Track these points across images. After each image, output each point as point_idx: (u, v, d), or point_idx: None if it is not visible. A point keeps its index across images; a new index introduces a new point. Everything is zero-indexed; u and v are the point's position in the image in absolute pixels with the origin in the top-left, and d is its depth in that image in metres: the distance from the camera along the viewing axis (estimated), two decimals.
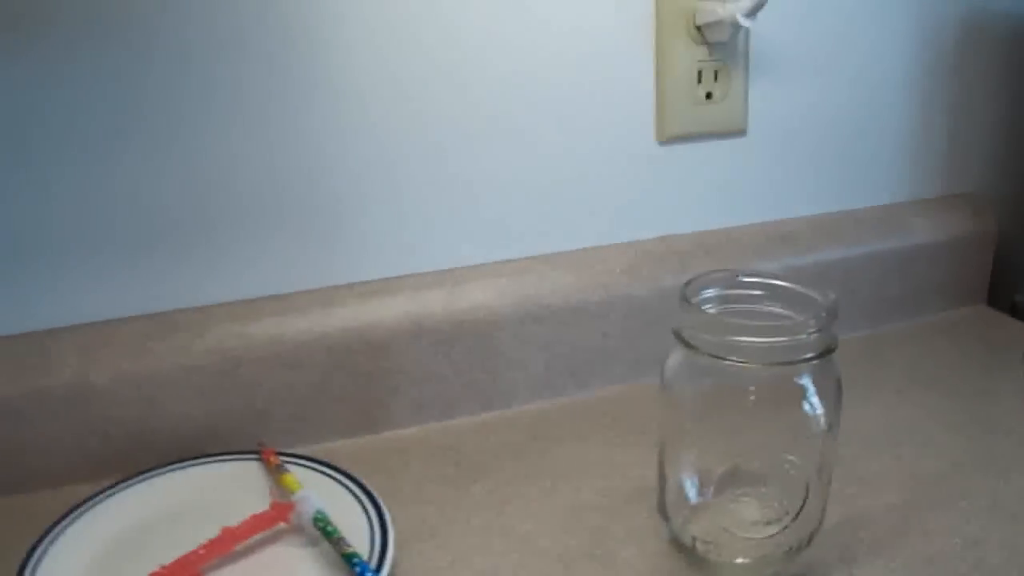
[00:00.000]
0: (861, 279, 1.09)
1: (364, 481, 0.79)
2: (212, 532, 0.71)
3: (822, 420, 0.67)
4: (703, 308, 0.69)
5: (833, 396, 0.68)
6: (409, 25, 0.87)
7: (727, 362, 0.64)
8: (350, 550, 0.69)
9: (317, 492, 0.76)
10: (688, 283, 0.69)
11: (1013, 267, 1.18)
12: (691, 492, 0.72)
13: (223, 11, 0.81)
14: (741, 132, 1.02)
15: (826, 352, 0.65)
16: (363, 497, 0.77)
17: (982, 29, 1.11)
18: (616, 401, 0.97)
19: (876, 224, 1.10)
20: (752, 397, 0.67)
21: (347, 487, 0.79)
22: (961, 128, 1.14)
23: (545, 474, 0.84)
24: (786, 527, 0.69)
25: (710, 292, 0.70)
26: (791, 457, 0.68)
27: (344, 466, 0.82)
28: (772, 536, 0.69)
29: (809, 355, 0.65)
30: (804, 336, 0.64)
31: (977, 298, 1.19)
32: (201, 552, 0.70)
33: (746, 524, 0.70)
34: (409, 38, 0.87)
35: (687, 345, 0.66)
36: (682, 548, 0.72)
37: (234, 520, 0.72)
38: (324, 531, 0.72)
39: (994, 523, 0.76)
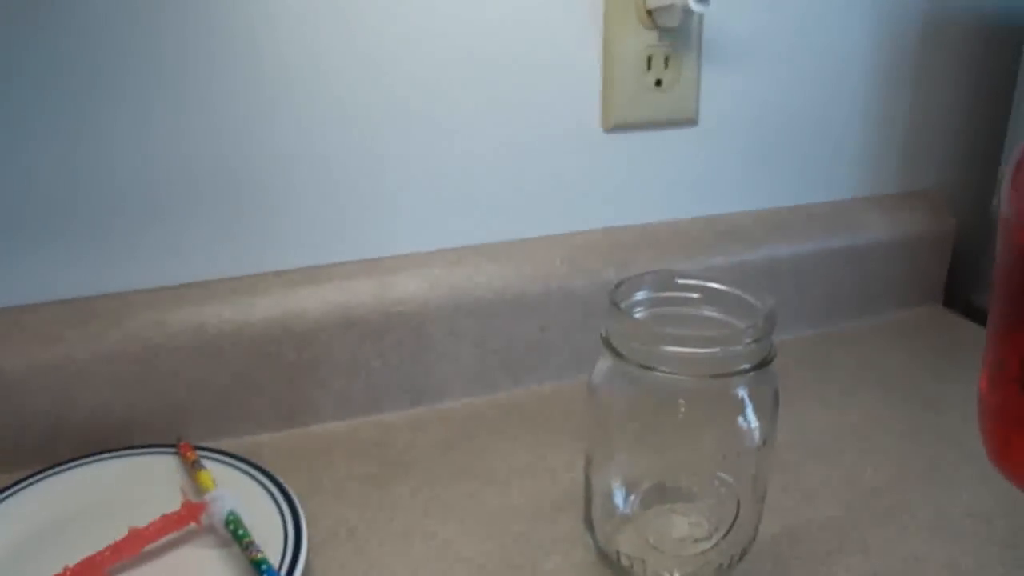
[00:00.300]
0: (813, 277, 1.07)
1: (282, 480, 0.76)
2: (124, 530, 0.68)
3: (757, 434, 0.64)
4: (634, 312, 0.66)
5: (770, 409, 0.65)
6: (341, 9, 0.83)
7: (656, 373, 0.61)
8: (259, 556, 0.66)
9: (233, 490, 0.73)
10: (618, 286, 0.65)
11: (970, 267, 1.16)
12: (617, 505, 0.69)
13: None
14: (692, 121, 0.99)
15: (762, 364, 0.62)
16: (279, 497, 0.74)
17: (944, 26, 1.09)
18: (552, 399, 0.94)
19: (830, 220, 1.08)
20: (682, 409, 0.63)
21: (264, 486, 0.76)
22: (920, 125, 1.12)
23: (473, 475, 0.82)
24: (716, 544, 0.66)
25: (642, 295, 0.67)
26: (723, 472, 0.65)
27: (267, 461, 0.80)
28: (701, 553, 0.66)
29: (744, 367, 0.61)
30: (739, 347, 0.61)
31: (932, 298, 1.17)
32: (107, 554, 0.67)
33: (674, 540, 0.67)
34: (340, 22, 0.84)
35: (615, 353, 0.62)
36: (608, 561, 0.69)
37: (146, 518, 0.69)
38: (234, 534, 0.69)
39: (937, 540, 0.73)
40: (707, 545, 0.66)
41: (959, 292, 1.18)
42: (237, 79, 0.82)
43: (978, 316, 1.14)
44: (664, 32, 0.93)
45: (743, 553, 0.68)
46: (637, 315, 0.66)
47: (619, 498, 0.69)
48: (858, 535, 0.74)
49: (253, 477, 0.77)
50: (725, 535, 0.66)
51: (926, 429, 0.89)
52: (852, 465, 0.83)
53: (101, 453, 0.80)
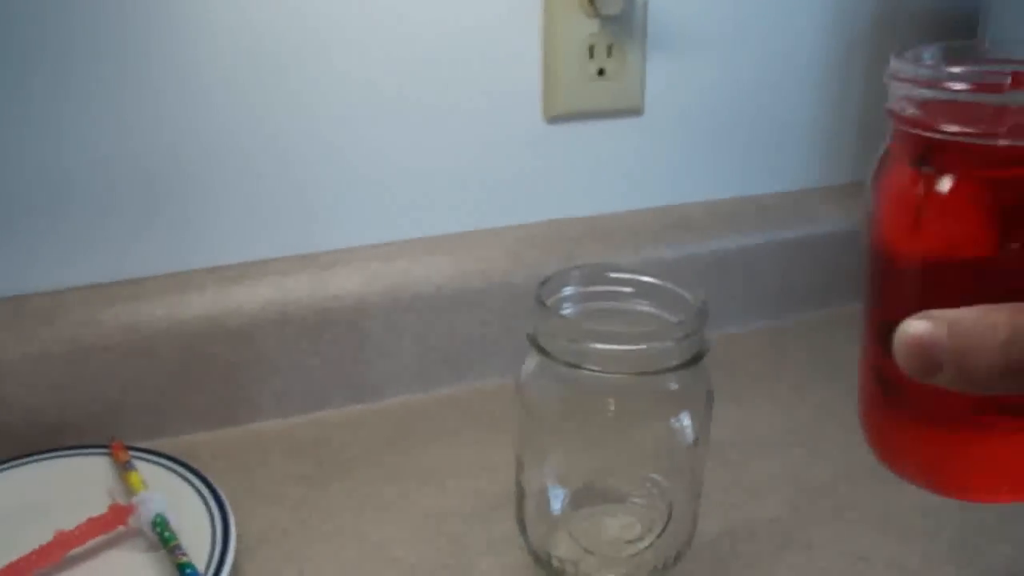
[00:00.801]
0: (763, 268, 1.05)
1: (212, 482, 0.74)
2: (51, 534, 0.67)
3: (689, 432, 0.63)
4: (563, 309, 0.64)
5: (703, 406, 0.64)
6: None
7: (584, 371, 0.60)
8: (184, 560, 0.65)
9: (163, 492, 0.72)
10: (544, 282, 0.64)
11: None
12: (548, 506, 0.68)
13: None
14: (637, 111, 0.98)
15: (694, 360, 0.61)
16: (210, 499, 0.73)
17: (896, 12, 1.07)
18: (494, 396, 0.93)
19: (781, 211, 1.06)
20: (612, 408, 0.62)
21: (195, 487, 0.75)
22: (871, 113, 1.10)
23: (410, 475, 0.80)
24: (650, 545, 0.65)
25: (570, 290, 0.65)
26: (655, 473, 0.64)
27: (203, 461, 0.78)
28: (635, 555, 0.65)
29: (674, 363, 0.60)
30: (670, 343, 0.59)
31: None
32: (32, 558, 0.65)
33: (606, 542, 0.66)
34: (274, 12, 0.82)
35: (542, 351, 0.61)
36: (542, 563, 0.68)
37: (76, 522, 0.68)
38: (161, 537, 0.68)
39: (884, 538, 0.72)
40: (640, 546, 0.65)
41: None
42: (173, 73, 0.81)
43: None
44: (606, 20, 0.91)
45: (679, 554, 0.67)
46: (566, 311, 0.64)
47: (551, 499, 0.68)
48: (802, 534, 0.73)
49: (184, 478, 0.76)
50: (658, 536, 0.65)
51: None
52: (799, 462, 0.82)
53: (31, 455, 0.78)
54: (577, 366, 0.60)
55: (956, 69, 0.41)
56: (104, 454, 0.79)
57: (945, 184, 0.40)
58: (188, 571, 0.64)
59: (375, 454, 0.83)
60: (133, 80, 0.80)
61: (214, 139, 0.84)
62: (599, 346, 0.59)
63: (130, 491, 0.73)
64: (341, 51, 0.85)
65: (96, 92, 0.79)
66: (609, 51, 0.93)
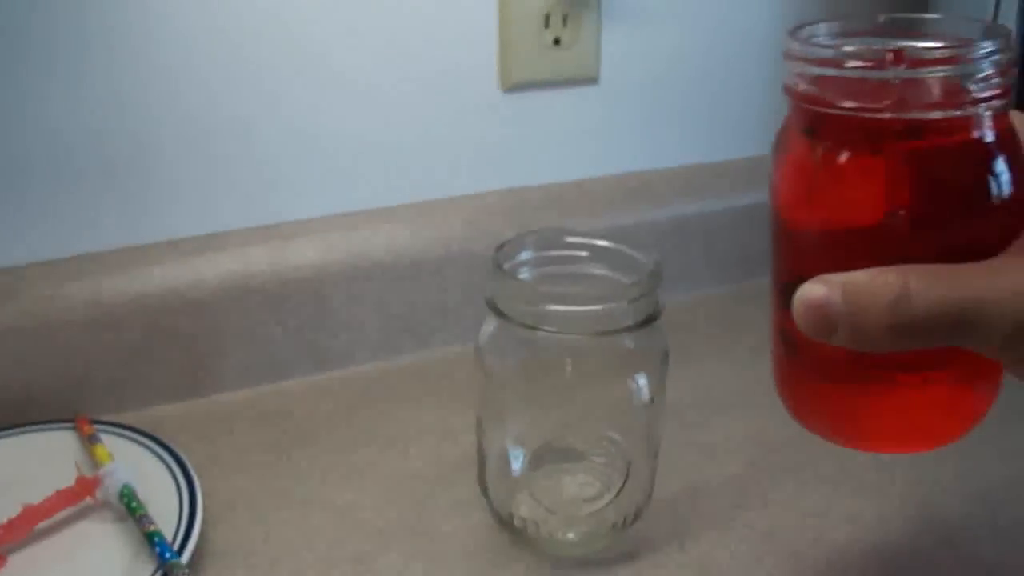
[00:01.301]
0: (722, 234, 1.07)
1: (178, 451, 0.75)
2: (19, 509, 0.67)
3: (645, 391, 0.64)
4: (519, 273, 0.65)
5: (658, 366, 0.65)
6: None
7: (541, 332, 0.61)
8: (152, 528, 0.66)
9: (130, 463, 0.72)
10: (501, 247, 0.65)
11: None
12: (508, 467, 0.69)
13: None
14: (593, 80, 0.98)
15: (648, 320, 0.62)
16: (176, 469, 0.74)
17: None
18: (456, 362, 0.94)
19: (739, 177, 1.08)
20: (569, 368, 0.63)
21: (160, 458, 0.75)
22: None
23: (375, 440, 0.81)
24: (608, 503, 0.66)
25: (527, 255, 0.66)
26: (612, 432, 0.65)
27: (169, 433, 0.79)
28: (594, 513, 0.66)
29: (629, 323, 0.61)
30: (624, 303, 0.61)
31: None
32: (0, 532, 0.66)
33: (565, 501, 0.68)
34: None
35: (499, 314, 0.62)
36: (504, 523, 0.69)
37: (43, 495, 0.68)
38: (128, 507, 0.68)
39: (839, 494, 0.74)
40: (599, 505, 0.66)
41: None
42: (132, 44, 0.81)
43: None
44: None
45: (638, 512, 0.68)
46: (522, 275, 0.65)
47: (511, 460, 0.69)
48: (759, 491, 0.74)
49: (150, 449, 0.76)
50: (616, 495, 0.66)
51: None
52: (756, 422, 0.83)
53: None
54: (534, 328, 0.61)
55: (847, 47, 0.44)
56: (69, 428, 0.79)
57: (833, 156, 0.43)
58: (156, 539, 0.65)
59: (339, 422, 0.84)
60: (91, 57, 0.80)
61: (172, 114, 0.84)
62: (555, 308, 0.60)
63: (96, 464, 0.73)
64: (297, 26, 0.86)
65: (54, 69, 0.79)
66: (564, 20, 0.94)
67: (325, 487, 0.75)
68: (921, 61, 0.40)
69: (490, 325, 0.65)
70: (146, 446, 0.76)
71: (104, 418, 0.81)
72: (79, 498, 0.70)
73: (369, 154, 0.92)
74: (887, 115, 0.40)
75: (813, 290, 0.40)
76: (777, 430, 0.82)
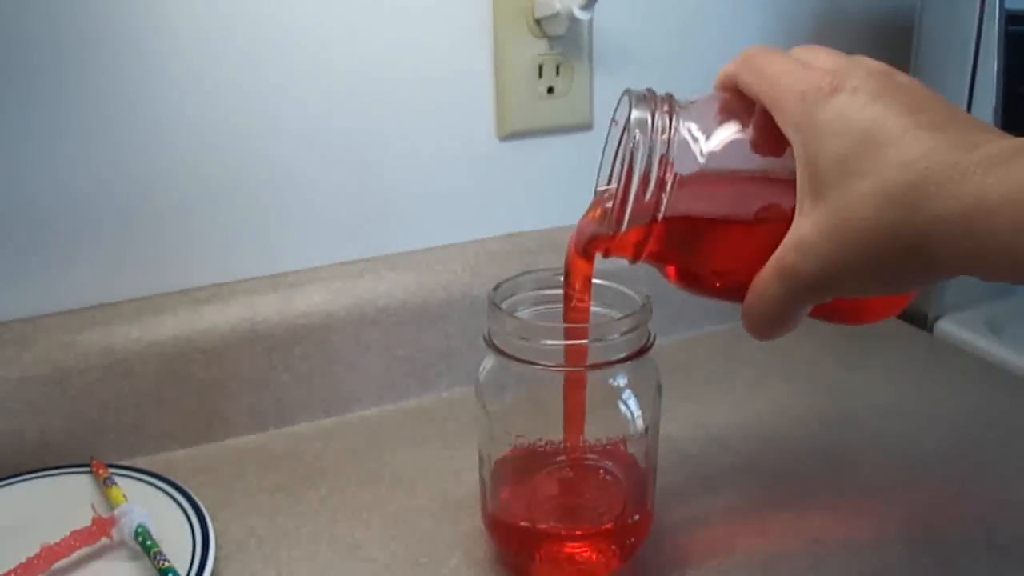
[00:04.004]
0: None
1: (191, 492, 0.77)
2: (36, 549, 0.69)
3: (640, 423, 0.66)
4: (517, 311, 0.67)
5: (652, 397, 0.66)
6: (232, 26, 0.84)
7: (537, 367, 0.63)
8: (166, 565, 0.68)
9: (144, 505, 0.74)
10: (498, 286, 0.67)
11: None
12: None
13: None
14: (587, 126, 1.01)
15: (640, 352, 0.64)
16: (188, 509, 0.76)
17: (836, 25, 1.11)
18: (460, 403, 0.96)
19: None
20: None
21: (174, 498, 0.77)
22: None
23: (381, 480, 0.83)
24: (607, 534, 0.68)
25: (523, 294, 0.68)
26: (608, 462, 0.67)
27: (181, 476, 0.81)
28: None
29: (622, 356, 0.63)
30: (615, 336, 0.63)
31: None
32: (19, 571, 0.67)
33: None
34: (231, 36, 0.85)
35: (497, 351, 0.64)
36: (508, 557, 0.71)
37: (59, 535, 0.70)
38: (143, 545, 0.70)
39: (834, 521, 0.76)
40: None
41: None
42: (141, 99, 0.83)
43: None
44: (554, 40, 0.95)
45: (639, 542, 0.70)
46: (519, 314, 0.67)
47: None
48: (757, 520, 0.76)
49: (163, 491, 0.78)
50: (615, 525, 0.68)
51: (829, 415, 0.92)
52: (754, 454, 0.85)
53: (14, 476, 0.80)
54: (530, 363, 0.63)
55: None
56: (85, 472, 0.81)
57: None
58: (170, 575, 0.66)
59: (346, 463, 0.86)
60: (103, 118, 0.82)
61: (179, 171, 0.86)
62: (550, 343, 0.63)
63: (112, 504, 0.75)
64: (302, 87, 0.88)
65: (66, 126, 0.82)
66: (557, 70, 0.96)
67: (334, 525, 0.77)
68: None
69: (488, 361, 0.67)
70: (160, 488, 0.78)
71: (118, 463, 0.83)
72: (95, 538, 0.71)
73: (372, 204, 0.95)
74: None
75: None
76: (773, 462, 0.84)
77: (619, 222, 0.55)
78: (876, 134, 0.45)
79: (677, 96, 0.58)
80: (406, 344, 0.95)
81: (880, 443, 0.87)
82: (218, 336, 0.87)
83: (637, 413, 0.66)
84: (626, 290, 0.67)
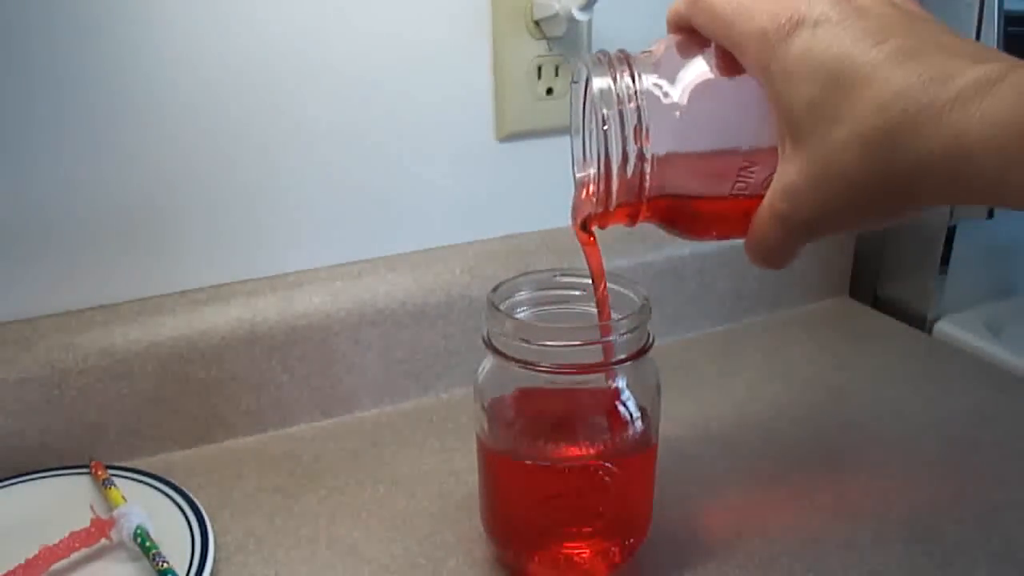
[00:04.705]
0: (718, 273, 1.09)
1: (190, 493, 0.78)
2: (35, 551, 0.69)
3: (639, 423, 0.66)
4: (515, 313, 0.67)
5: (651, 398, 0.66)
6: (227, 25, 0.84)
7: (535, 368, 0.63)
8: (165, 566, 0.68)
9: (143, 506, 0.74)
10: (497, 287, 0.67)
11: (875, 259, 1.19)
12: None
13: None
14: None
15: (639, 353, 0.64)
16: (188, 510, 0.76)
17: None
18: (459, 404, 0.96)
19: None
20: (564, 402, 0.65)
21: (173, 499, 0.77)
22: None
23: (380, 482, 0.83)
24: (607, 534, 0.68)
25: (522, 295, 0.68)
26: (608, 463, 0.67)
27: (180, 478, 0.81)
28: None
29: (622, 356, 0.63)
30: (615, 338, 0.63)
31: (839, 290, 1.20)
32: (18, 571, 0.68)
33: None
34: (229, 38, 0.84)
35: (496, 352, 0.64)
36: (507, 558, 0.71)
37: (59, 537, 0.70)
38: (142, 546, 0.70)
39: (834, 522, 0.76)
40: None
41: (866, 283, 1.20)
42: (139, 104, 0.83)
43: (884, 306, 1.17)
44: (552, 42, 0.95)
45: (638, 542, 0.70)
46: (518, 315, 0.67)
47: None
48: (757, 520, 0.76)
49: (163, 492, 0.78)
50: (615, 523, 0.68)
51: (828, 416, 0.92)
52: (752, 454, 0.86)
53: (13, 478, 0.80)
54: (529, 364, 0.62)
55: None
56: (84, 473, 0.81)
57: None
58: None
59: (345, 465, 0.86)
60: (102, 122, 0.82)
61: (182, 173, 0.86)
62: (549, 344, 0.62)
63: (111, 506, 0.75)
64: (299, 91, 0.88)
65: (67, 132, 0.81)
66: (556, 71, 0.96)
67: (333, 526, 0.77)
68: None
69: (487, 362, 0.67)
70: (159, 489, 0.79)
71: (117, 464, 0.83)
72: (94, 539, 0.72)
73: (371, 206, 0.94)
74: None
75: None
76: (773, 462, 0.84)
77: (606, 203, 0.56)
78: (845, 73, 0.44)
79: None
80: (405, 345, 0.95)
81: (879, 444, 0.87)
82: (217, 337, 0.87)
83: (637, 414, 0.65)
84: (626, 291, 0.67)
